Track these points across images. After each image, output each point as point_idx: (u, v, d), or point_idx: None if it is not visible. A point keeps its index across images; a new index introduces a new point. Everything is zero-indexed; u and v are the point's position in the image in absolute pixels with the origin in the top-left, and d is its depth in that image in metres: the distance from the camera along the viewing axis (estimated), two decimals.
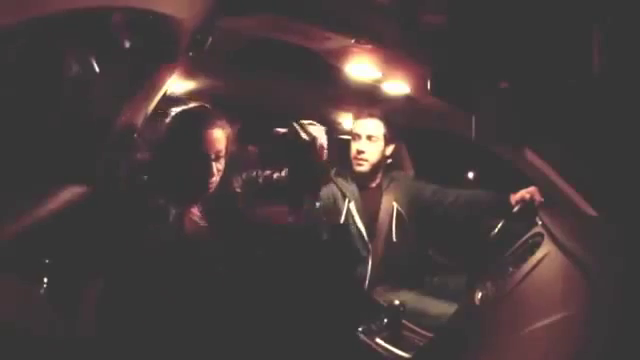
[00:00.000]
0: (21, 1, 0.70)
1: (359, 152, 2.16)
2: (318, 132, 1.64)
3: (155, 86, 1.55)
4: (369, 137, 2.16)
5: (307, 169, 1.64)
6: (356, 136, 2.18)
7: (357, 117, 2.22)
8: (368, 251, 2.13)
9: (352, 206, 2.16)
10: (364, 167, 2.17)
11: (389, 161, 2.30)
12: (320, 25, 1.60)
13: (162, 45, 1.37)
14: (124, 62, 1.42)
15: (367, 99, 2.29)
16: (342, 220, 2.15)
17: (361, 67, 1.96)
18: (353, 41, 1.70)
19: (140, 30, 1.30)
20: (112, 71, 1.43)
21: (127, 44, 1.35)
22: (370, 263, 2.13)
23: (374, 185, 2.25)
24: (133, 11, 1.09)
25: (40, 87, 1.26)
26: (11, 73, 1.17)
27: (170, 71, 1.57)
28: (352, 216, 2.15)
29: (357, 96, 2.36)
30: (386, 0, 1.56)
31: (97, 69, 1.37)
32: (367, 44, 1.72)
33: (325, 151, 1.64)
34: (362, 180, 2.21)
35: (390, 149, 2.23)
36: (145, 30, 1.29)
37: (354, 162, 2.19)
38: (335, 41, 1.72)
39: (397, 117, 2.29)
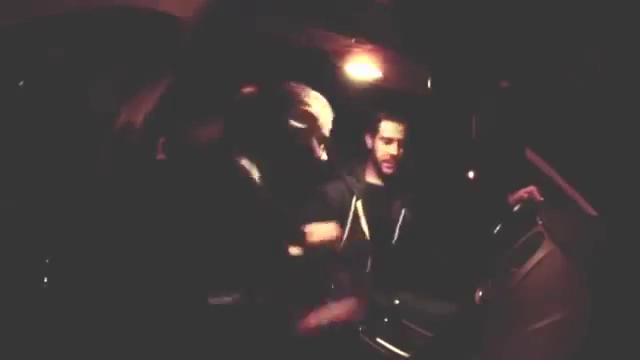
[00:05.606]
0: (22, 1, 0.71)
1: (393, 157, 2.17)
2: (320, 107, 1.12)
3: (156, 85, 1.55)
4: (399, 141, 2.18)
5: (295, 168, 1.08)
6: (387, 140, 2.18)
7: (384, 119, 2.20)
8: (369, 251, 2.14)
9: (359, 205, 2.17)
10: (393, 170, 2.20)
11: None
12: (320, 25, 1.60)
13: (163, 44, 1.37)
14: (125, 61, 1.41)
15: (387, 101, 2.27)
16: (349, 219, 2.15)
17: (361, 67, 1.96)
18: (353, 41, 1.69)
19: (141, 29, 1.30)
20: (113, 71, 1.43)
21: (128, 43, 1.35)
22: (370, 263, 2.13)
23: (384, 185, 2.26)
24: (135, 10, 1.09)
25: None
26: None
27: (171, 70, 1.57)
28: (358, 215, 2.16)
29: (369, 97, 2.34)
30: (386, 0, 1.56)
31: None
32: (367, 44, 1.72)
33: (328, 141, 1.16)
34: (378, 180, 2.23)
35: None
36: (146, 29, 1.29)
37: (384, 165, 2.19)
38: (335, 41, 1.72)
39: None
